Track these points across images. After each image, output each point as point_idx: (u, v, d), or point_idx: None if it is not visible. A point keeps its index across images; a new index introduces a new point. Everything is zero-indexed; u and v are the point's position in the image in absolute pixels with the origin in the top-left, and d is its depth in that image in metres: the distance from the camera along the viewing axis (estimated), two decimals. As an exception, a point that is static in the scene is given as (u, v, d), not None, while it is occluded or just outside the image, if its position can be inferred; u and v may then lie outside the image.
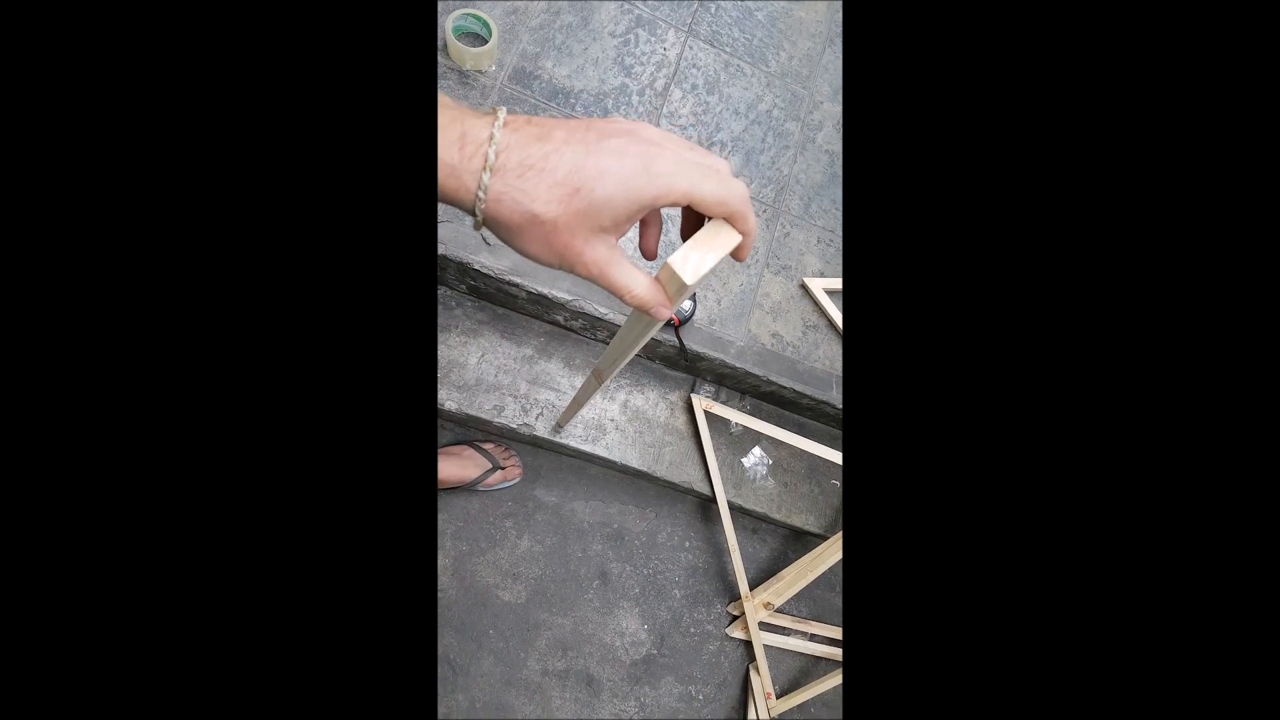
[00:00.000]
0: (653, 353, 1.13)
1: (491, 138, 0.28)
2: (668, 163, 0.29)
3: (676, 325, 1.05)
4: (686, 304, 1.05)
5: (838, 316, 1.17)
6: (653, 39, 1.19)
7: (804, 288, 1.17)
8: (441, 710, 1.03)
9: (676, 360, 1.14)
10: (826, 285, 1.17)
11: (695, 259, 0.32)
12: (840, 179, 1.24)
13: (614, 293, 0.32)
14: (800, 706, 1.18)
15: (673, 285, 0.34)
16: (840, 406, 1.17)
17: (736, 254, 0.34)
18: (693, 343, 1.08)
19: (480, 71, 1.07)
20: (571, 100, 1.10)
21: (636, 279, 0.32)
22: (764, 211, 1.18)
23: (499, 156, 0.28)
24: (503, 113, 0.29)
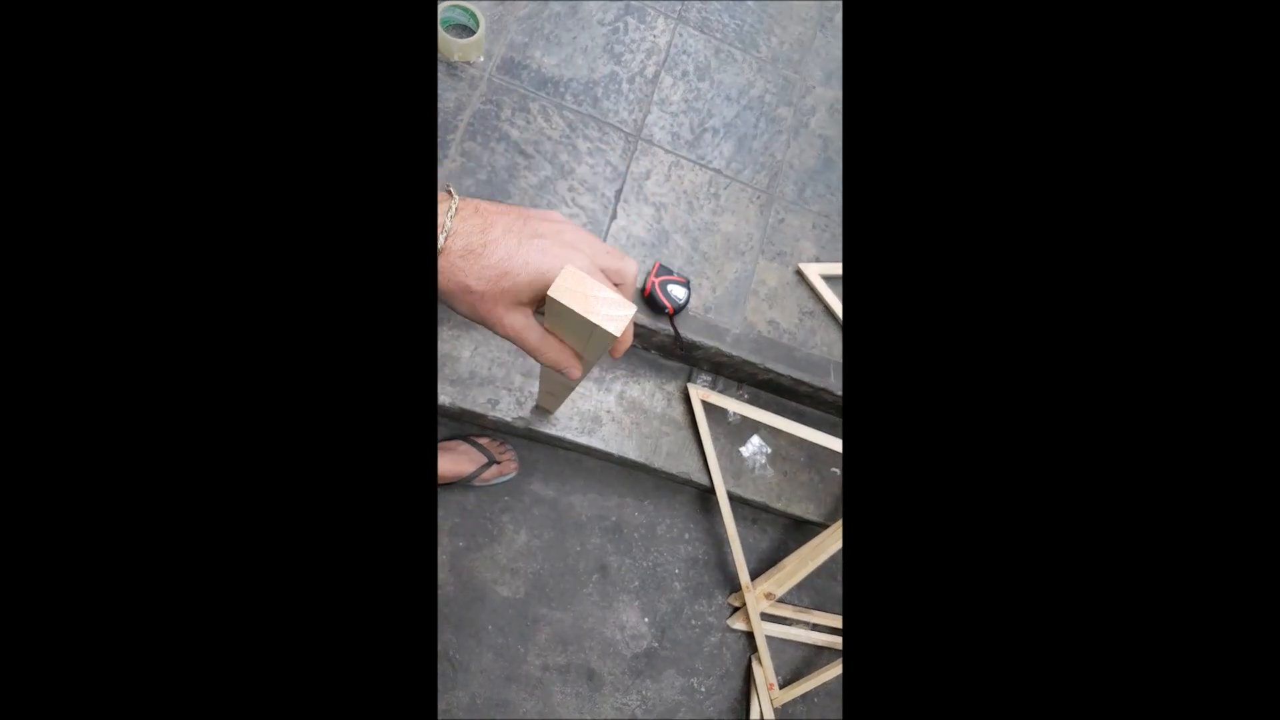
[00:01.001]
0: (648, 342, 1.12)
1: (444, 225, 0.34)
2: (579, 263, 0.37)
3: (671, 314, 1.04)
4: (681, 292, 1.04)
5: (835, 302, 1.16)
6: (642, 26, 1.17)
7: (800, 274, 1.16)
8: (441, 707, 1.03)
9: (672, 350, 1.13)
10: (823, 271, 1.16)
11: (603, 311, 0.36)
12: (834, 164, 1.23)
13: (529, 353, 0.41)
14: (804, 697, 1.17)
15: (593, 349, 0.37)
16: (839, 393, 1.15)
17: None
18: (688, 331, 1.07)
19: (468, 63, 1.06)
20: (561, 89, 1.09)
21: (547, 343, 0.41)
22: (758, 198, 1.17)
23: (447, 240, 0.34)
24: (455, 201, 0.35)
